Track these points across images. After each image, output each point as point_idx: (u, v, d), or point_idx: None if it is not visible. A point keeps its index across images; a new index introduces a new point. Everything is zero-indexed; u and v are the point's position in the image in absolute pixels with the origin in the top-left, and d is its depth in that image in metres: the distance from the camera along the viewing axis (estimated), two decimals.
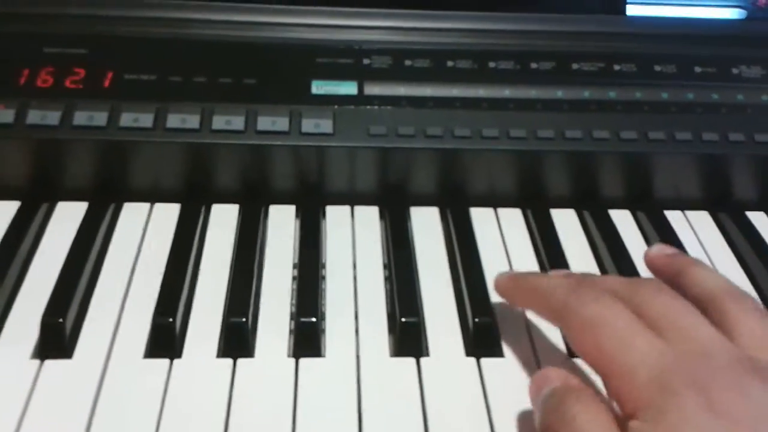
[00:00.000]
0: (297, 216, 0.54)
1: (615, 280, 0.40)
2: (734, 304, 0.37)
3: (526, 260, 0.51)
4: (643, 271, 0.50)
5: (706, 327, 0.35)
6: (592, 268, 0.51)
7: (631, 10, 0.63)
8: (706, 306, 0.38)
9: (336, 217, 0.54)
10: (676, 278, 0.41)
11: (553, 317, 0.40)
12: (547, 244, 0.52)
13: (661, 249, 0.44)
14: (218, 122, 0.51)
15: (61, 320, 0.42)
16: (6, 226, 0.50)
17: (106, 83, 0.53)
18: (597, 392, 0.36)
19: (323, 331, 0.45)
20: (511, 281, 0.44)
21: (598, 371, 0.36)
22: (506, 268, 0.50)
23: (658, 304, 0.37)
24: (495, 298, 0.47)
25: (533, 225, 0.54)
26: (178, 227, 0.51)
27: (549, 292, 0.40)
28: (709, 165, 0.55)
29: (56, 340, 0.42)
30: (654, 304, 0.37)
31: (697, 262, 0.42)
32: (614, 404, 0.34)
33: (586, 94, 0.55)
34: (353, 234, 0.53)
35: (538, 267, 0.51)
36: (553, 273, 0.45)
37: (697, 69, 0.58)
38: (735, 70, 0.59)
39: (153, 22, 0.57)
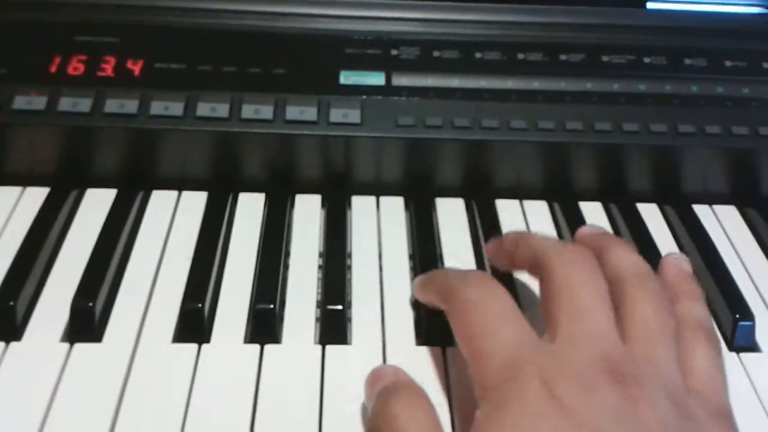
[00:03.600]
0: (323, 206, 0.54)
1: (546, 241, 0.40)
2: (635, 289, 0.37)
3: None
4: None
5: (599, 314, 0.35)
6: None
7: (652, 6, 0.63)
8: (612, 286, 0.37)
9: (362, 207, 0.54)
10: (597, 257, 0.40)
11: (440, 300, 0.39)
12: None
13: (588, 229, 0.45)
14: (247, 111, 0.52)
15: (90, 304, 0.43)
16: (36, 212, 0.50)
17: (137, 72, 0.53)
18: (422, 391, 0.36)
19: (349, 319, 0.45)
20: (425, 276, 0.44)
21: (463, 354, 0.36)
22: None
23: (562, 276, 0.37)
24: (520, 287, 0.47)
25: (559, 217, 0.54)
26: (205, 215, 0.51)
27: (444, 278, 0.40)
28: (738, 159, 0.55)
29: (86, 324, 0.43)
30: (568, 278, 0.37)
31: (618, 243, 0.41)
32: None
33: (616, 86, 0.55)
34: (378, 224, 0.53)
35: None
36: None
37: (728, 63, 0.58)
38: (766, 65, 0.58)
39: (184, 12, 0.57)
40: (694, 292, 0.42)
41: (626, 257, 0.40)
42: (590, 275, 0.37)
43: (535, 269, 0.39)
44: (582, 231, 0.45)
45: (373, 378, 0.38)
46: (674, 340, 0.36)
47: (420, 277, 0.44)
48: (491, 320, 0.35)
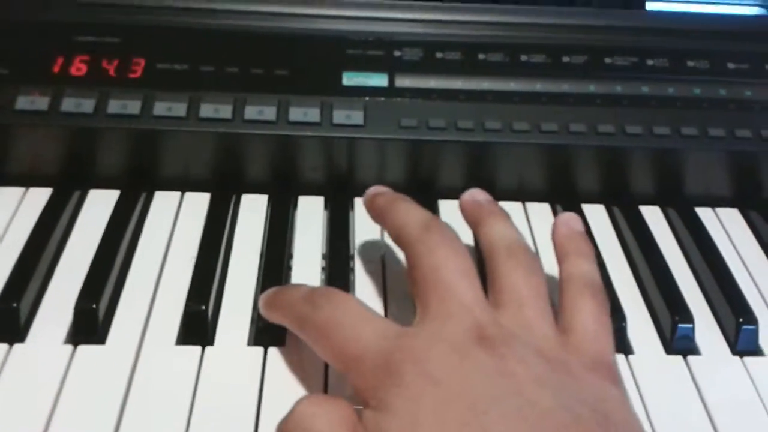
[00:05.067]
0: (326, 207, 0.54)
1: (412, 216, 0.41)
2: (505, 259, 0.38)
3: (554, 255, 0.51)
4: (674, 267, 0.50)
5: (463, 287, 0.36)
6: (622, 263, 0.51)
7: (651, 6, 0.63)
8: (486, 258, 0.38)
9: (364, 208, 0.54)
10: (475, 228, 0.41)
11: (296, 330, 0.39)
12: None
13: (473, 194, 0.44)
14: (250, 112, 0.52)
15: (94, 306, 0.43)
16: (39, 213, 0.50)
17: (140, 72, 0.53)
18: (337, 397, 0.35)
19: None
20: (269, 297, 0.42)
21: (339, 371, 0.36)
22: None
23: (437, 258, 0.37)
24: None
25: None
26: (208, 216, 0.51)
27: (290, 304, 0.39)
28: (741, 162, 0.55)
29: (89, 325, 0.43)
30: (433, 258, 0.37)
31: (496, 215, 0.42)
32: None
33: (619, 88, 0.55)
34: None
35: None
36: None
37: (730, 65, 0.58)
38: None
39: (186, 13, 0.57)
40: (582, 249, 0.41)
41: (499, 230, 0.40)
42: (452, 252, 0.37)
43: (400, 245, 0.40)
44: (464, 198, 0.45)
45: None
46: (547, 302, 0.37)
47: (263, 298, 0.42)
48: (349, 330, 0.35)
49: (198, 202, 0.53)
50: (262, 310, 0.42)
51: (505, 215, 0.43)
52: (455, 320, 0.34)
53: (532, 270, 0.38)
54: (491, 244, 0.40)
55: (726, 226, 0.55)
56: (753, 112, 0.55)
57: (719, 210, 0.57)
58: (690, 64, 0.57)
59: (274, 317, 0.41)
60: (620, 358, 0.43)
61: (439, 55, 0.56)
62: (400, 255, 0.50)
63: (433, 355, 0.33)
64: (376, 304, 0.46)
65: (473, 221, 0.43)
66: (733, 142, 0.54)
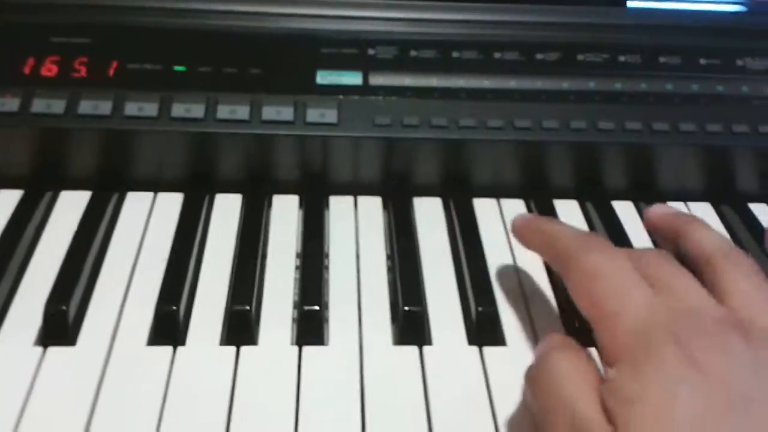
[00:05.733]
0: (300, 206, 0.54)
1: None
2: (729, 266, 0.38)
3: (529, 251, 0.51)
4: None
5: (698, 289, 0.36)
6: None
7: (632, 3, 0.63)
8: (702, 267, 0.38)
9: (339, 207, 0.54)
10: (675, 238, 0.41)
11: (555, 262, 0.40)
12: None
13: (661, 208, 0.45)
14: (223, 111, 0.51)
15: (64, 308, 0.43)
16: (9, 215, 0.50)
17: (111, 72, 0.53)
18: (581, 349, 0.36)
19: (326, 319, 0.45)
20: (525, 222, 0.44)
21: (588, 319, 0.36)
22: (509, 258, 0.50)
23: (655, 265, 0.37)
24: (497, 287, 0.47)
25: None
26: (181, 216, 0.51)
27: (556, 236, 0.40)
28: (713, 156, 0.55)
29: (59, 327, 0.42)
30: (652, 265, 0.37)
31: (696, 221, 0.42)
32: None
33: (592, 85, 0.55)
34: (356, 224, 0.53)
35: (540, 257, 0.50)
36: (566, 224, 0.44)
37: (702, 61, 0.58)
38: (740, 62, 0.58)
39: (157, 12, 0.56)
40: (695, 220, 0.42)
41: (708, 236, 0.40)
42: (677, 266, 0.38)
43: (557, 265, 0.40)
44: (653, 214, 0.44)
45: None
46: None
47: (524, 219, 0.44)
48: (615, 285, 0.36)
49: (171, 203, 0.52)
50: (516, 229, 0.44)
51: (703, 221, 0.42)
52: (706, 310, 0.35)
53: (753, 270, 0.38)
54: (705, 252, 0.39)
55: None
56: (724, 106, 0.55)
57: (692, 204, 0.57)
58: (662, 60, 0.58)
59: (530, 240, 0.43)
60: None
61: (413, 53, 0.56)
62: (375, 253, 0.50)
63: (697, 342, 0.32)
64: (350, 301, 0.46)
65: (672, 234, 0.42)
66: (705, 137, 0.54)
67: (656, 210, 0.44)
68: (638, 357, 0.33)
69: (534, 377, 0.36)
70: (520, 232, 0.45)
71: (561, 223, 0.44)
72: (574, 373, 0.34)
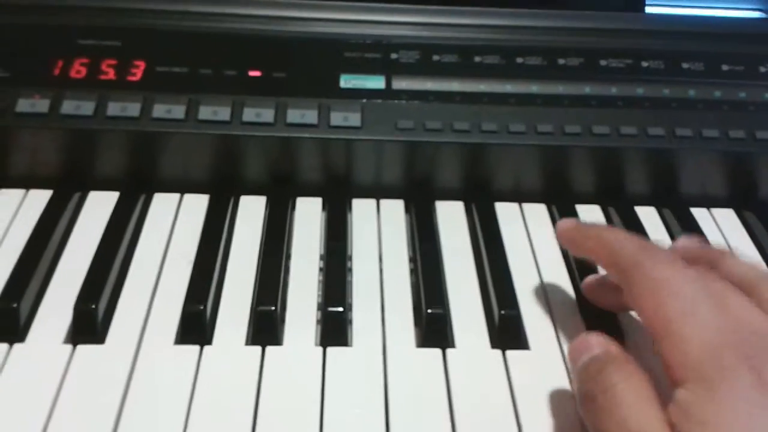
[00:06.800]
0: (324, 208, 0.54)
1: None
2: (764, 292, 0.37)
3: (551, 255, 0.51)
4: None
5: (753, 307, 0.36)
6: None
7: (650, 10, 0.63)
8: (747, 294, 0.38)
9: (362, 210, 0.54)
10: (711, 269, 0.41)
11: (616, 271, 0.39)
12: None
13: (690, 240, 0.44)
14: (248, 114, 0.52)
15: (93, 306, 0.43)
16: (39, 214, 0.51)
17: (139, 75, 0.54)
18: (637, 364, 0.36)
19: (350, 321, 0.45)
20: (576, 229, 0.44)
21: (652, 332, 0.35)
22: (531, 263, 0.50)
23: (711, 278, 0.37)
24: (520, 290, 0.48)
25: (558, 220, 0.54)
26: (207, 217, 0.52)
27: (618, 246, 0.39)
28: (736, 162, 0.55)
29: (88, 326, 0.43)
30: (709, 278, 0.37)
31: (727, 252, 0.42)
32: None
33: (614, 90, 0.56)
34: (379, 227, 0.53)
35: (562, 261, 0.51)
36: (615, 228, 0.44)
37: (725, 67, 0.58)
38: (762, 69, 0.58)
39: (185, 16, 0.57)
40: (726, 251, 0.42)
41: (741, 267, 0.40)
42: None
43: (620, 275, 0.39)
44: (682, 244, 0.44)
45: (580, 345, 0.38)
46: None
47: (573, 226, 0.44)
48: (686, 302, 0.35)
49: (197, 204, 0.53)
50: (565, 235, 0.44)
51: (731, 252, 0.43)
52: None
53: None
54: (748, 280, 0.39)
55: (721, 227, 0.56)
56: (747, 112, 0.56)
57: (714, 210, 0.57)
58: (685, 65, 0.58)
59: (585, 247, 0.42)
60: None
61: (435, 57, 0.57)
62: (397, 256, 0.50)
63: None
64: (373, 303, 0.46)
65: (706, 263, 0.41)
66: (728, 143, 0.54)
67: (685, 242, 0.44)
68: (711, 379, 0.32)
69: (592, 396, 0.35)
70: (571, 238, 0.44)
71: (620, 230, 0.43)
72: (638, 400, 0.33)
